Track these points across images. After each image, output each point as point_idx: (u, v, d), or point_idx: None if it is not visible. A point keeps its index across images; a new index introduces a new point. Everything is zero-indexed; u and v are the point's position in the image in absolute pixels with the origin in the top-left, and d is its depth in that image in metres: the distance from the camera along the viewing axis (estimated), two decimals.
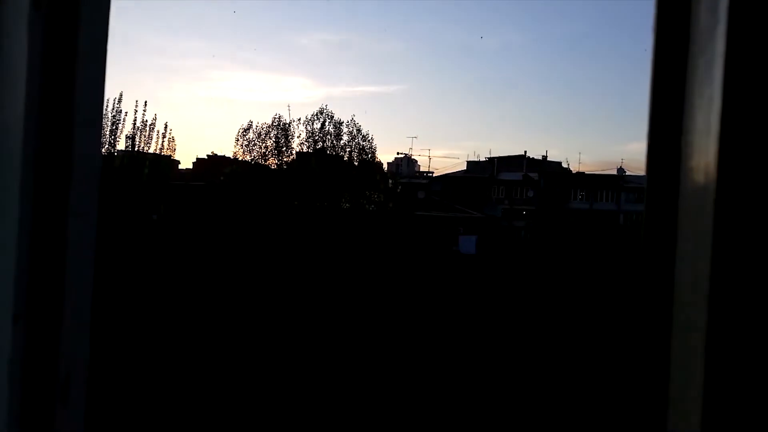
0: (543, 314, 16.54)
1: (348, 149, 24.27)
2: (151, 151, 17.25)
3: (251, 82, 66.19)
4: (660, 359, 0.64)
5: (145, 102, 17.04)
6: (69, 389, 0.71)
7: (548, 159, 51.31)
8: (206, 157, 35.60)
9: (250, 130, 23.48)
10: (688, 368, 0.58)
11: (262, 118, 68.82)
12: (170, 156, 18.40)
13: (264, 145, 23.38)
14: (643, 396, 0.65)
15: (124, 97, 16.04)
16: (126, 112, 16.77)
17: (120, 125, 16.49)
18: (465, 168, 52.60)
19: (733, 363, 0.53)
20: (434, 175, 50.71)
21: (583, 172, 49.91)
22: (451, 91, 72.03)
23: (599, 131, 75.52)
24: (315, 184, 22.59)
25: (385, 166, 30.69)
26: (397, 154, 49.64)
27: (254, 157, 23.52)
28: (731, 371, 0.53)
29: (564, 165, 51.54)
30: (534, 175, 47.73)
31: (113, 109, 16.36)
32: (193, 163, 40.32)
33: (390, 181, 28.27)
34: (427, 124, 70.66)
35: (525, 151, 51.24)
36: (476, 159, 52.81)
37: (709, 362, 0.53)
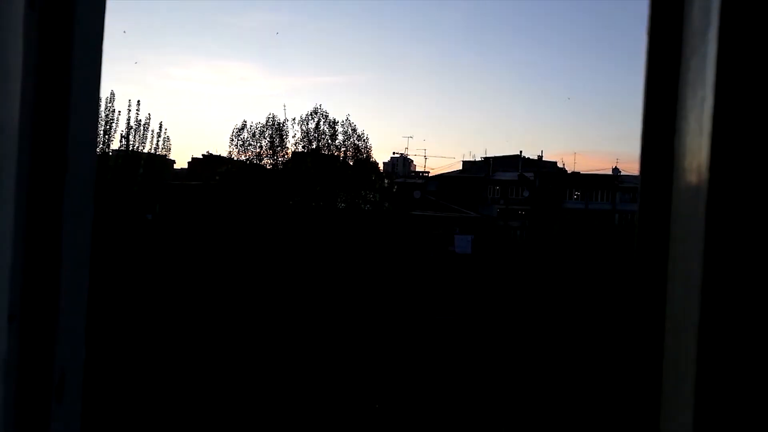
0: (538, 313, 16.57)
1: (343, 149, 24.26)
2: (145, 150, 17.19)
3: (198, 71, 62.74)
4: (653, 357, 0.64)
5: (138, 101, 16.92)
6: (64, 389, 0.71)
7: (543, 159, 51.42)
8: (201, 157, 35.49)
9: (245, 130, 23.45)
10: (680, 366, 0.58)
11: (219, 110, 65.56)
12: (165, 155, 18.35)
13: (259, 144, 23.34)
14: (637, 394, 0.65)
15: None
16: (119, 111, 16.68)
17: (114, 125, 16.43)
18: (461, 168, 52.66)
19: (724, 361, 0.53)
20: (430, 174, 50.75)
21: (579, 172, 50.06)
22: (426, 79, 69.82)
23: (595, 131, 75.74)
24: (310, 183, 22.55)
25: (380, 165, 30.65)
26: (393, 153, 49.65)
27: (249, 156, 23.48)
28: (723, 370, 0.53)
29: (559, 165, 51.69)
30: (529, 175, 47.83)
31: (106, 108, 16.30)
32: (188, 162, 40.18)
33: (386, 180, 28.26)
34: (420, 122, 70.33)
35: (520, 151, 51.36)
36: (472, 159, 52.89)
37: (701, 360, 0.53)
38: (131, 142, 16.74)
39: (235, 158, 23.83)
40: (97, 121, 0.79)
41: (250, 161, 23.54)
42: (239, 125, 24.14)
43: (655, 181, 0.68)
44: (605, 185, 48.92)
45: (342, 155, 24.42)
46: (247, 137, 23.43)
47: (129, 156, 16.86)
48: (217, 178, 24.14)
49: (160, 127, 17.52)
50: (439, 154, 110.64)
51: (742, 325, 0.53)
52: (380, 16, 66.71)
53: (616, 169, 50.24)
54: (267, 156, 23.45)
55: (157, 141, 17.18)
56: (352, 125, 24.60)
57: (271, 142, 23.40)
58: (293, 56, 63.88)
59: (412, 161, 52.46)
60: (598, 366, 12.97)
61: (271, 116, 23.74)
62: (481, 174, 50.01)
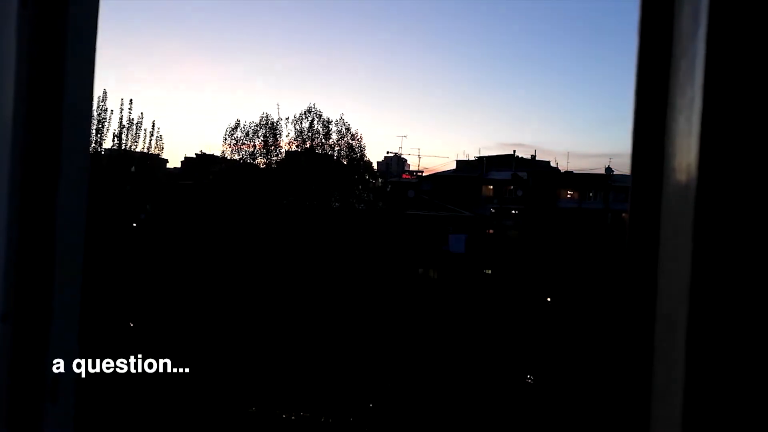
0: (533, 311, 16.62)
1: (337, 148, 24.22)
2: (138, 149, 17.12)
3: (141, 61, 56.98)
4: (643, 353, 0.65)
5: (131, 100, 16.86)
6: (58, 388, 0.71)
7: (537, 158, 51.61)
8: (195, 156, 35.33)
9: (238, 129, 23.36)
10: (670, 362, 0.59)
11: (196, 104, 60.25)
12: (158, 155, 18.27)
13: (252, 144, 23.26)
14: (627, 389, 0.66)
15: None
16: (112, 111, 16.62)
17: (106, 124, 16.37)
18: (455, 167, 52.72)
19: (713, 357, 0.54)
20: (424, 174, 50.72)
21: (572, 172, 50.23)
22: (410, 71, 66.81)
23: (588, 131, 75.94)
24: (304, 183, 22.50)
25: (374, 165, 30.62)
26: (387, 153, 49.57)
27: (243, 156, 23.40)
28: (712, 365, 0.54)
29: (553, 164, 51.89)
30: (523, 175, 47.95)
31: (98, 107, 16.23)
32: (181, 162, 39.94)
33: (380, 180, 28.26)
34: (415, 121, 70.05)
35: (514, 151, 51.48)
36: (466, 158, 52.96)
37: (690, 356, 0.54)
38: (123, 141, 16.69)
39: (229, 157, 23.75)
40: (91, 120, 0.79)
41: (244, 160, 23.47)
42: (232, 124, 24.06)
43: (646, 181, 0.68)
44: (598, 185, 49.07)
45: (336, 154, 24.40)
46: (241, 136, 23.36)
47: (121, 155, 16.80)
48: (211, 177, 24.06)
49: (153, 126, 17.42)
50: (433, 154, 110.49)
51: (731, 321, 0.54)
52: (379, 17, 66.14)
53: (609, 169, 50.42)
54: (261, 155, 23.40)
55: (150, 140, 17.13)
56: (346, 124, 24.58)
57: (265, 142, 23.36)
58: (236, 41, 56.98)
59: (406, 160, 52.51)
60: (590, 362, 13.02)
61: (264, 115, 23.68)
62: (475, 173, 50.08)
